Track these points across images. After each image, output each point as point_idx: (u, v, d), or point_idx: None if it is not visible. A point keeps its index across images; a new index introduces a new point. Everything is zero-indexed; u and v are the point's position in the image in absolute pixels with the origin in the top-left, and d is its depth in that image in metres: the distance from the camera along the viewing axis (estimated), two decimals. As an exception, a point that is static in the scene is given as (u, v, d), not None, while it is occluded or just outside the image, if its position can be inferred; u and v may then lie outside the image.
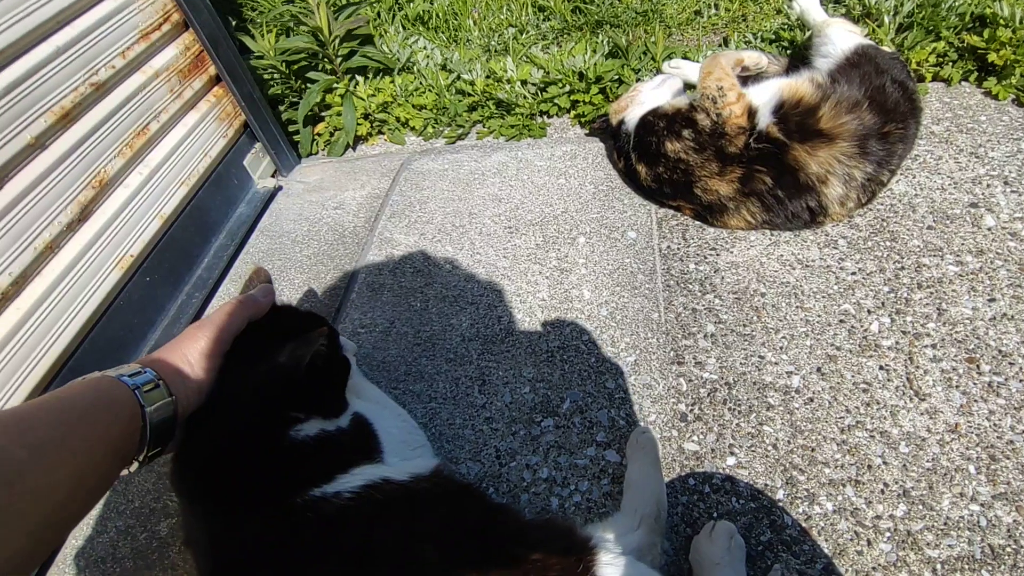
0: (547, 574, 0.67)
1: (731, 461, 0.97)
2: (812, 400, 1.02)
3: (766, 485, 0.93)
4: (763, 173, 1.23)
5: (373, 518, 0.72)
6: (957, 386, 0.98)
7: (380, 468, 0.83)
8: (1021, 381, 0.97)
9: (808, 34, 1.60)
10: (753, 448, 0.98)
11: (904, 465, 0.91)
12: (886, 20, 1.60)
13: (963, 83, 1.53)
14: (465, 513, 0.77)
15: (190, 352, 0.71)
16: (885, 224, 1.25)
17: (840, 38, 1.36)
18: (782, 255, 1.26)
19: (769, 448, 0.97)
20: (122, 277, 1.27)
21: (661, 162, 1.35)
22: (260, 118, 1.69)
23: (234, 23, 2.22)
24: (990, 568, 0.80)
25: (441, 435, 1.08)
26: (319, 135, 2.01)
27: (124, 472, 0.63)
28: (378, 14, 2.46)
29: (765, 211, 1.27)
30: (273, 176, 1.83)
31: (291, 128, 1.92)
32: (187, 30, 1.53)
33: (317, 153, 1.98)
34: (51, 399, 0.57)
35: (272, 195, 1.73)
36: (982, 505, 0.86)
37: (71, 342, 1.15)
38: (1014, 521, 0.84)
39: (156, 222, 1.36)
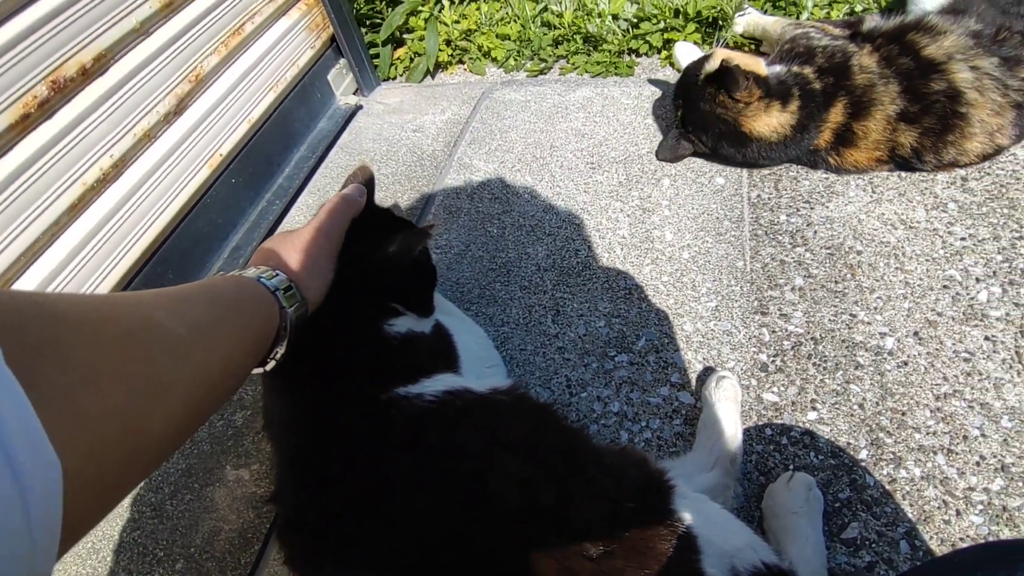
0: (624, 502, 0.65)
1: (812, 416, 0.93)
2: (906, 364, 0.96)
3: (848, 443, 0.89)
4: None
5: (455, 422, 0.73)
6: (1074, 365, 0.91)
7: (460, 379, 0.83)
8: None
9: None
10: (837, 405, 0.94)
11: (1005, 440, 0.86)
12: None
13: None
14: (545, 430, 0.76)
15: (317, 255, 0.71)
16: (1004, 191, 1.15)
17: None
18: (883, 214, 1.18)
19: (855, 407, 0.93)
20: (210, 175, 1.30)
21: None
22: (347, 32, 1.67)
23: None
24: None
25: (512, 359, 1.07)
26: (399, 60, 1.97)
27: (257, 371, 0.63)
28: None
29: None
30: (355, 94, 1.81)
31: (371, 52, 1.89)
32: (284, -67, 1.50)
33: (395, 78, 1.95)
34: (201, 286, 0.56)
35: (353, 113, 1.72)
36: (1091, 488, 0.80)
37: (161, 231, 1.18)
38: None
39: (244, 125, 1.37)
